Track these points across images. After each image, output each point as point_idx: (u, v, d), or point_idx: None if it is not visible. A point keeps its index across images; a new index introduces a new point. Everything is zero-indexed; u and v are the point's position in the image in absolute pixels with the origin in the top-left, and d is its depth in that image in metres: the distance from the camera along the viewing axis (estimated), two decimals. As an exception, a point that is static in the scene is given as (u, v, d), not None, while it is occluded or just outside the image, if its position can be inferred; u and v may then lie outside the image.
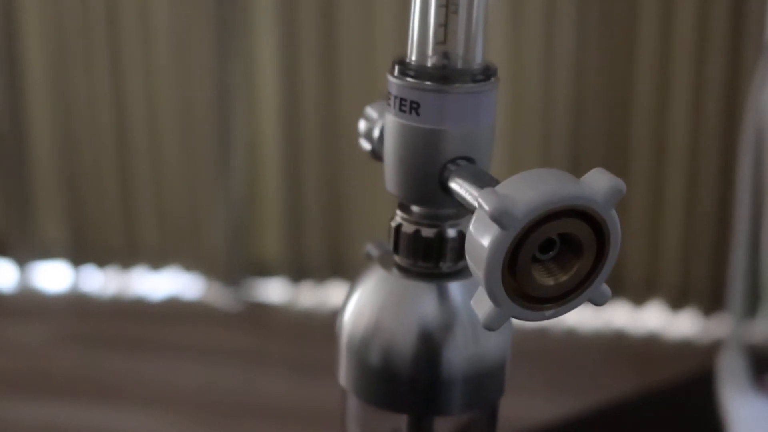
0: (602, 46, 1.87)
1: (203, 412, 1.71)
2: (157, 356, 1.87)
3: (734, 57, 1.83)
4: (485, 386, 0.31)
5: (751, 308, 0.68)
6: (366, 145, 0.33)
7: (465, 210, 0.31)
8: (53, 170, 2.06)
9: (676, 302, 1.99)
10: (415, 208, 0.31)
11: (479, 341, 0.31)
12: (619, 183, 0.25)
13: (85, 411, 1.70)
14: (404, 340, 0.30)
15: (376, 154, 0.33)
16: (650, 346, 1.96)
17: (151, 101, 1.99)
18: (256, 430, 1.68)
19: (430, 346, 0.30)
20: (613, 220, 0.25)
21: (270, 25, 1.93)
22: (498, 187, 0.25)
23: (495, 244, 0.24)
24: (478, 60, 0.29)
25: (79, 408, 1.71)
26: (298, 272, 2.05)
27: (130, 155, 2.03)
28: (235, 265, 2.07)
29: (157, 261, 2.09)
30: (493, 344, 0.31)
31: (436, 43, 0.29)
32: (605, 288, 0.27)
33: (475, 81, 0.29)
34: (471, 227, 0.25)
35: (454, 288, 0.31)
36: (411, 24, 0.29)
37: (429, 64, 0.29)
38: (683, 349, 1.94)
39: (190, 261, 2.09)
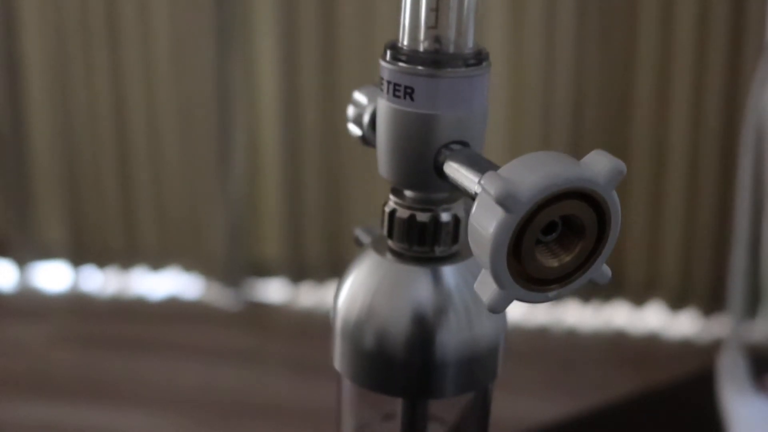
0: (602, 46, 1.87)
1: (203, 412, 1.71)
2: (156, 356, 1.87)
3: (734, 57, 1.83)
4: (478, 369, 0.31)
5: (751, 308, 0.68)
6: (356, 131, 0.33)
7: (458, 194, 0.31)
8: (53, 170, 2.06)
9: (676, 302, 1.99)
10: (408, 193, 0.31)
11: (473, 325, 0.31)
12: (620, 164, 0.25)
13: (85, 411, 1.70)
14: (398, 324, 0.30)
15: (366, 140, 0.33)
16: (650, 346, 1.96)
17: (151, 101, 1.99)
18: (256, 430, 1.68)
19: (423, 329, 0.30)
20: (614, 200, 0.26)
21: (270, 25, 1.93)
22: (501, 171, 0.25)
23: (500, 228, 0.24)
24: (469, 44, 0.30)
25: (79, 408, 1.71)
26: (297, 272, 2.05)
27: (130, 155, 2.03)
28: (234, 265, 2.06)
29: (156, 261, 2.09)
30: (487, 327, 0.31)
31: (428, 27, 0.29)
32: (606, 268, 0.27)
33: (468, 65, 0.29)
34: (474, 211, 0.25)
35: (448, 272, 0.31)
36: (403, 9, 0.30)
37: (421, 48, 0.29)
38: (683, 349, 1.94)
39: (190, 261, 2.09)
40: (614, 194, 0.26)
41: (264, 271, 2.10)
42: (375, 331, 0.30)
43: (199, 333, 1.97)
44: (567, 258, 0.26)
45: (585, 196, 0.25)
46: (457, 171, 0.29)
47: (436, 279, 0.31)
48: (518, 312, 2.02)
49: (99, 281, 2.11)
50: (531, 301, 0.26)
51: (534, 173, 0.24)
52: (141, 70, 1.97)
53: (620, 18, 1.86)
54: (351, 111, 0.33)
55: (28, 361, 1.85)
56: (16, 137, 2.05)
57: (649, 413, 0.62)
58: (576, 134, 1.91)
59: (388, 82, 0.29)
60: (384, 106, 0.30)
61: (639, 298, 2.00)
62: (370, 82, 0.35)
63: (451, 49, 0.29)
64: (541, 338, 1.97)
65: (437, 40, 0.29)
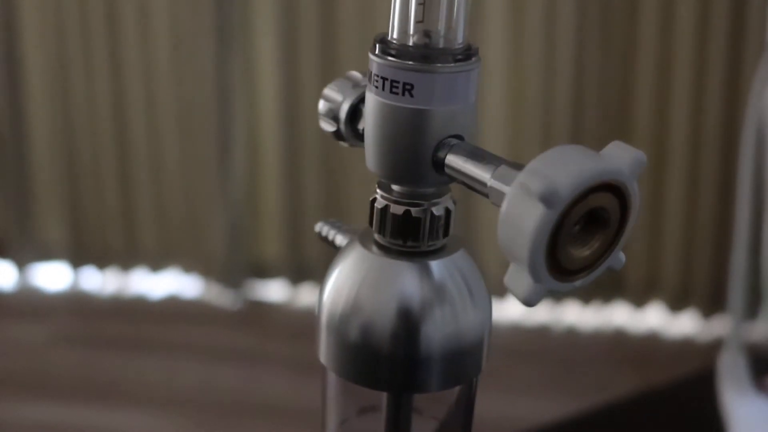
0: (602, 47, 1.87)
1: (203, 412, 1.71)
2: (156, 356, 1.87)
3: (735, 56, 1.83)
4: (464, 363, 0.31)
5: (752, 308, 0.68)
6: (329, 127, 0.33)
7: (445, 188, 0.31)
8: (53, 170, 2.06)
9: (677, 302, 1.99)
10: (395, 187, 0.31)
11: (458, 319, 0.31)
12: (641, 154, 0.26)
13: (85, 411, 1.70)
14: (383, 318, 0.30)
15: (341, 135, 0.33)
16: (650, 346, 1.96)
17: (151, 101, 1.99)
18: (255, 430, 1.68)
19: (409, 323, 0.30)
20: (635, 190, 0.27)
21: (270, 25, 1.93)
22: (534, 166, 0.25)
23: (541, 223, 0.25)
24: (460, 39, 0.30)
25: (78, 408, 1.71)
26: (297, 272, 2.05)
27: (130, 156, 2.03)
28: (234, 265, 2.06)
29: (156, 262, 2.09)
30: (472, 322, 0.31)
31: (417, 21, 0.29)
32: (621, 254, 0.28)
33: (462, 59, 0.29)
34: (508, 207, 0.26)
35: (434, 266, 0.31)
36: (392, 4, 0.30)
37: (420, 43, 0.30)
38: (683, 349, 1.94)
39: (189, 262, 2.09)
40: (635, 184, 0.27)
41: (264, 271, 2.10)
42: (360, 324, 0.31)
43: (198, 333, 1.97)
44: (596, 246, 0.27)
45: (611, 187, 0.26)
46: (463, 165, 0.29)
47: (422, 273, 0.31)
48: (518, 311, 2.02)
49: (99, 281, 2.11)
50: (560, 290, 0.27)
51: (570, 168, 0.25)
52: (141, 70, 1.97)
53: (620, 18, 1.86)
54: (323, 106, 0.33)
55: (28, 361, 1.85)
56: (16, 137, 2.05)
57: (649, 413, 0.62)
58: (576, 134, 1.91)
59: (383, 79, 0.29)
60: (378, 102, 0.30)
61: (639, 298, 2.00)
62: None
63: (442, 43, 0.30)
64: (541, 338, 1.97)
65: (427, 34, 0.29)
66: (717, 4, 1.81)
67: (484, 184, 0.28)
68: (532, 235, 0.25)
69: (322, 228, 0.37)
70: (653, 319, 2.01)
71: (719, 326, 1.94)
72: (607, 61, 1.88)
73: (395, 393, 0.32)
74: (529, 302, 0.26)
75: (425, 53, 0.29)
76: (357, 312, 0.31)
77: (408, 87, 0.29)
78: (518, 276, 0.26)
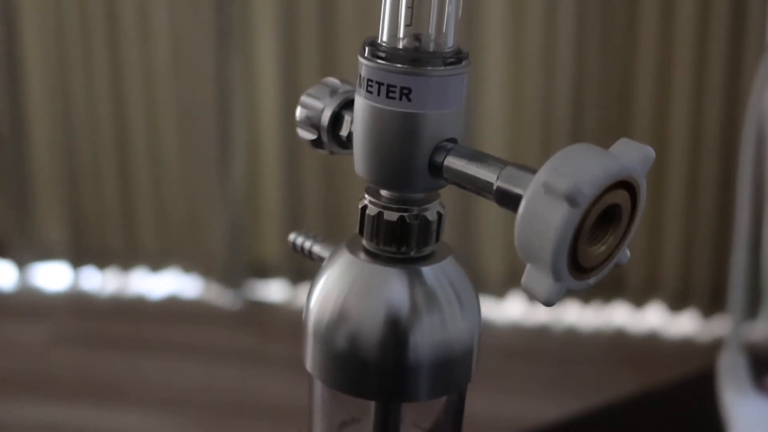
0: (602, 46, 1.87)
1: (203, 412, 1.71)
2: (156, 356, 1.87)
3: (735, 57, 1.83)
4: (453, 372, 0.31)
5: (752, 308, 0.68)
6: (309, 135, 0.33)
7: (435, 194, 0.31)
8: (53, 170, 2.06)
9: (677, 302, 1.99)
10: (385, 193, 0.31)
11: (447, 327, 0.30)
12: (651, 150, 0.27)
13: (85, 411, 1.70)
14: (371, 325, 0.30)
15: (321, 143, 0.33)
16: (650, 346, 1.96)
17: (151, 101, 1.99)
18: (255, 430, 1.68)
19: (397, 331, 0.30)
20: (644, 186, 0.27)
21: (270, 25, 1.93)
22: (554, 166, 0.26)
23: (566, 222, 0.25)
24: (450, 43, 0.30)
25: (79, 408, 1.71)
26: (297, 272, 2.05)
27: (130, 156, 2.03)
28: (234, 265, 2.06)
29: (156, 262, 2.09)
30: (461, 329, 0.31)
31: (406, 25, 0.29)
32: (627, 249, 0.29)
33: (457, 62, 0.29)
34: (527, 207, 0.26)
35: (423, 273, 0.31)
36: (399, 8, 0.30)
37: (411, 47, 0.29)
38: (683, 349, 1.94)
39: (189, 262, 2.09)
40: (644, 180, 0.27)
41: (264, 271, 2.10)
42: (348, 332, 0.30)
43: (198, 333, 1.97)
44: (609, 242, 0.27)
45: (624, 184, 0.26)
46: (464, 168, 0.29)
47: (410, 280, 0.30)
48: (518, 312, 2.02)
49: (99, 281, 2.11)
50: (576, 288, 0.27)
51: (591, 166, 0.25)
52: (141, 70, 1.97)
53: (620, 18, 1.86)
54: (302, 114, 0.33)
55: (28, 361, 1.85)
56: (16, 137, 2.05)
57: (649, 413, 0.62)
58: (576, 134, 1.91)
59: (378, 83, 0.29)
60: (371, 107, 0.30)
61: (639, 298, 2.00)
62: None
63: (434, 47, 0.29)
64: (541, 338, 1.97)
65: (417, 38, 0.29)
66: (717, 4, 1.81)
67: (489, 187, 0.28)
68: (557, 235, 0.25)
69: (296, 238, 0.37)
70: (653, 319, 2.01)
71: (719, 326, 1.94)
72: (607, 61, 1.88)
73: (383, 402, 0.31)
74: (550, 302, 0.26)
75: (421, 57, 0.29)
76: (344, 320, 0.30)
77: (405, 91, 0.29)
78: (537, 277, 0.26)
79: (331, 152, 0.33)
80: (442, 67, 0.29)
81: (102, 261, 2.10)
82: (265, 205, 2.06)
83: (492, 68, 1.88)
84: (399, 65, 0.29)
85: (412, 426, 0.33)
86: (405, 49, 0.29)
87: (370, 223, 0.31)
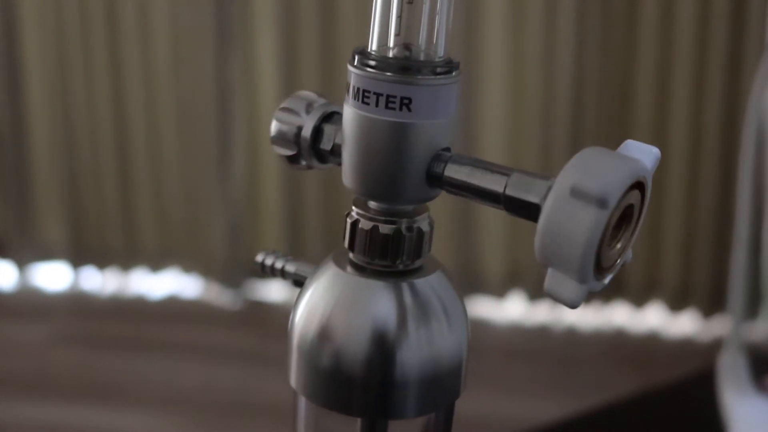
0: (602, 46, 1.87)
1: (203, 412, 1.71)
2: (156, 356, 1.87)
3: (735, 57, 1.83)
4: (441, 388, 0.30)
5: (752, 308, 0.68)
6: (287, 150, 0.32)
7: (423, 206, 0.31)
8: (53, 170, 2.06)
9: (677, 302, 1.99)
10: (373, 205, 0.30)
11: (435, 342, 0.30)
12: (657, 151, 0.27)
13: (85, 411, 1.70)
14: (357, 341, 0.29)
15: (298, 158, 0.32)
16: (650, 346, 1.96)
17: (151, 101, 1.99)
18: (255, 430, 1.67)
19: (384, 346, 0.29)
20: (650, 185, 0.27)
21: (270, 25, 1.93)
22: (580, 170, 0.26)
23: (596, 225, 0.25)
24: (441, 52, 0.30)
25: (79, 408, 1.71)
26: (298, 272, 2.04)
27: (130, 156, 2.03)
28: (234, 265, 2.06)
29: (156, 262, 2.09)
30: (449, 345, 0.30)
31: (396, 35, 0.29)
32: (630, 249, 0.29)
33: (449, 72, 0.29)
34: (551, 213, 0.26)
35: (411, 287, 0.30)
36: (393, 20, 0.29)
37: (402, 56, 0.29)
38: (683, 349, 1.94)
39: (189, 262, 2.09)
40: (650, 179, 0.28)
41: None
42: (333, 348, 0.29)
43: (198, 333, 1.97)
44: (622, 241, 0.28)
45: (638, 184, 0.27)
46: (468, 176, 0.29)
47: (398, 294, 0.30)
48: (518, 312, 2.02)
49: (99, 281, 2.11)
50: (594, 289, 0.27)
51: (613, 168, 0.25)
52: (141, 70, 1.97)
53: (620, 18, 1.86)
54: (278, 129, 0.32)
55: (28, 361, 1.85)
56: (16, 137, 2.05)
57: (649, 413, 0.62)
58: (576, 134, 1.91)
59: (377, 94, 0.29)
60: (368, 119, 0.29)
61: (639, 298, 2.00)
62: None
63: (426, 57, 0.29)
64: (541, 338, 1.97)
65: (407, 47, 0.29)
66: (717, 4, 1.81)
67: (495, 195, 0.28)
68: (587, 238, 0.25)
69: (265, 258, 0.36)
70: (653, 319, 2.01)
71: (719, 326, 1.94)
72: (607, 61, 1.88)
73: (370, 419, 0.31)
74: (576, 305, 0.26)
75: (422, 66, 0.28)
76: (330, 335, 0.30)
77: (405, 101, 0.28)
78: (562, 280, 0.26)
79: (309, 168, 0.32)
80: (443, 76, 0.29)
81: (102, 261, 2.10)
82: (265, 205, 2.06)
83: (492, 68, 1.88)
84: (400, 75, 0.28)
85: None
86: (405, 58, 0.29)
87: (363, 236, 0.30)
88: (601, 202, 0.25)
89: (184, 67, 1.97)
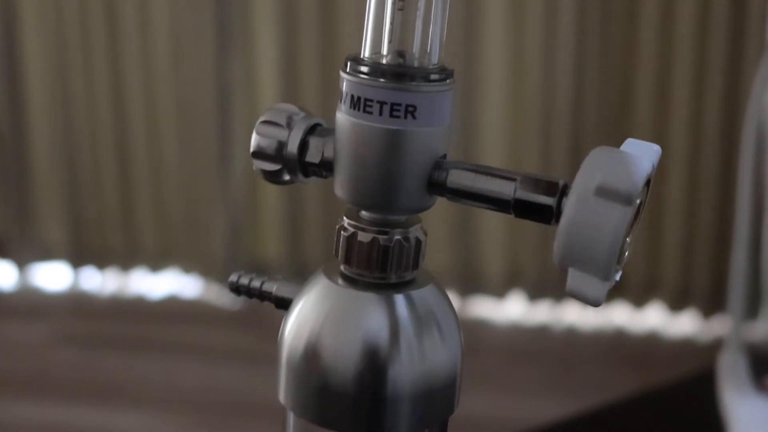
0: (602, 46, 1.87)
1: (203, 412, 1.71)
2: (156, 356, 1.87)
3: (734, 57, 1.83)
4: (434, 405, 0.30)
5: (751, 308, 0.68)
6: (270, 166, 0.31)
7: (415, 217, 0.30)
8: (53, 170, 2.06)
9: (677, 302, 1.99)
10: (365, 215, 0.30)
11: (429, 357, 0.29)
12: (659, 148, 0.28)
13: (85, 411, 1.70)
14: (348, 356, 0.28)
15: (281, 173, 0.31)
16: (650, 346, 1.96)
17: (151, 101, 1.99)
18: (255, 430, 1.67)
19: (375, 362, 0.28)
20: (651, 180, 0.28)
21: (270, 25, 1.93)
22: (597, 170, 0.26)
23: (621, 221, 0.25)
24: (434, 60, 0.29)
25: (78, 408, 1.71)
26: (297, 272, 2.05)
27: (130, 156, 2.03)
28: (234, 265, 2.06)
29: (156, 262, 2.09)
30: (443, 360, 0.29)
31: (388, 42, 0.29)
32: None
33: (446, 78, 0.29)
34: (575, 213, 0.26)
35: (404, 300, 0.29)
36: (393, 27, 0.29)
37: (393, 62, 0.29)
38: (683, 349, 1.94)
39: (189, 262, 2.09)
40: None
41: (264, 271, 2.10)
42: (323, 363, 0.29)
43: (198, 333, 1.97)
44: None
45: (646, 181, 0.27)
46: (473, 182, 0.28)
47: (390, 307, 0.29)
48: (518, 312, 2.02)
49: (99, 281, 2.11)
50: (612, 285, 0.27)
51: (631, 166, 0.26)
52: (141, 70, 1.97)
53: (620, 18, 1.86)
54: (260, 143, 0.31)
55: (28, 361, 1.85)
56: (16, 137, 2.05)
57: (649, 413, 0.62)
58: (576, 134, 1.91)
59: (381, 102, 0.28)
60: (370, 128, 0.28)
61: (639, 298, 2.00)
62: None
63: (421, 63, 0.29)
64: (541, 338, 1.97)
65: (400, 54, 0.29)
66: (717, 4, 1.81)
67: (505, 200, 0.28)
68: (613, 235, 0.25)
69: (240, 278, 0.35)
70: (653, 319, 2.01)
71: (719, 326, 1.94)
72: (607, 61, 1.88)
73: None
74: (600, 302, 0.27)
75: (419, 74, 0.28)
76: (320, 350, 0.29)
77: (410, 109, 0.28)
78: (585, 279, 0.26)
79: (292, 182, 0.32)
80: (442, 83, 0.29)
81: (102, 261, 2.10)
82: (265, 205, 2.06)
83: (492, 69, 1.88)
84: (404, 83, 0.28)
85: None
86: (405, 66, 0.29)
87: (356, 248, 0.29)
88: (628, 199, 0.25)
89: (183, 67, 1.97)
